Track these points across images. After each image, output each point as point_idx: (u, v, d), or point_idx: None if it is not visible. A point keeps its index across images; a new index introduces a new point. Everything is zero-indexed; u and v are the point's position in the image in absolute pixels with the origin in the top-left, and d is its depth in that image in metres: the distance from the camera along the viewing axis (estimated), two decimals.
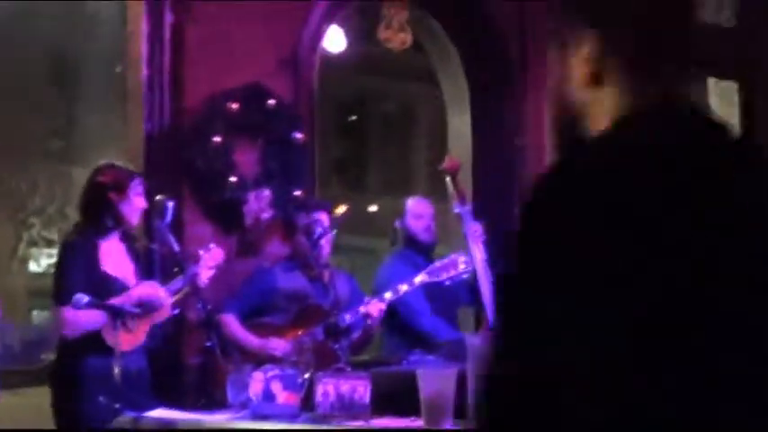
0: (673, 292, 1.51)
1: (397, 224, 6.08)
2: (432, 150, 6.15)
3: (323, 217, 5.58)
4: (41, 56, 13.38)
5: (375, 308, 5.36)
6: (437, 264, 5.54)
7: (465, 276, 5.62)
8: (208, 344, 4.61)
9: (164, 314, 5.02)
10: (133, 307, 4.72)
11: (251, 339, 5.39)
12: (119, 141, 8.21)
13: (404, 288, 5.43)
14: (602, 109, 1.64)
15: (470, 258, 5.48)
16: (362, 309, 5.36)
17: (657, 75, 1.64)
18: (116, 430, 3.84)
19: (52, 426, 5.03)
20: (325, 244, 5.55)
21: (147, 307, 4.89)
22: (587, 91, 1.65)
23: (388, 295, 5.39)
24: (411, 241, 6.01)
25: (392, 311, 5.56)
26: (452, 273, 5.50)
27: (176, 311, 5.21)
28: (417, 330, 5.72)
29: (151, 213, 5.00)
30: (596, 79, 1.64)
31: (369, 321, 5.38)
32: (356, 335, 5.54)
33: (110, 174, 5.04)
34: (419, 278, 5.47)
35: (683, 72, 1.67)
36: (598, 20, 1.64)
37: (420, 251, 5.99)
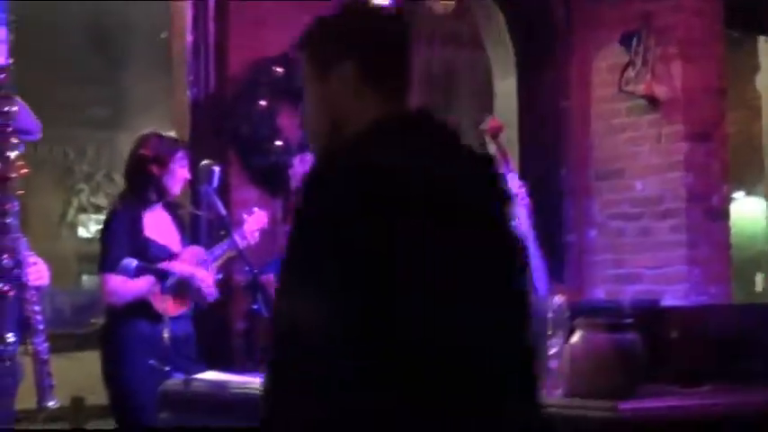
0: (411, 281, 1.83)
1: None
2: (476, 115, 6.09)
3: None
4: (86, 24, 13.43)
5: None
6: None
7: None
8: (254, 306, 4.62)
9: (207, 295, 5.03)
10: (179, 276, 4.75)
11: None
12: (164, 108, 8.23)
13: None
14: (361, 118, 2.07)
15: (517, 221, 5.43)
16: None
17: (396, 91, 2.13)
18: (166, 392, 3.87)
19: (102, 388, 5.08)
20: None
21: (191, 287, 4.91)
22: (350, 104, 2.11)
23: None
24: None
25: None
26: None
27: (220, 276, 5.23)
28: None
29: (197, 179, 5.01)
30: (355, 95, 2.11)
31: None
32: None
33: (152, 146, 5.04)
34: None
35: (409, 87, 2.16)
36: (352, 50, 2.14)
37: None
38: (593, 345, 2.66)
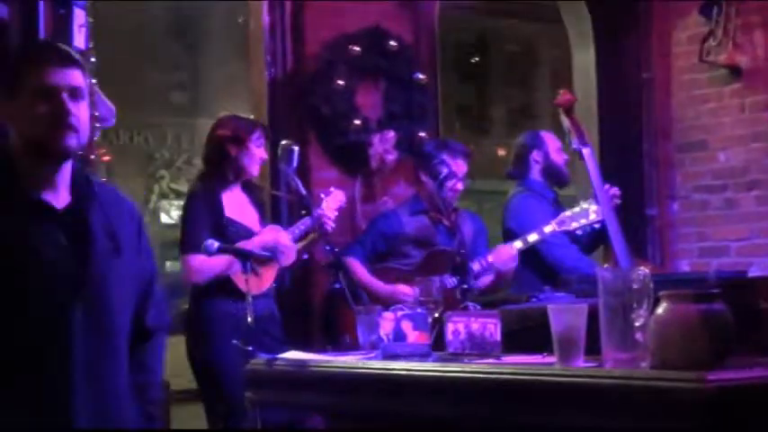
0: None
1: (536, 156, 5.91)
2: (556, 90, 6.06)
3: (454, 163, 5.52)
4: (163, 10, 13.53)
5: (506, 254, 5.28)
6: (567, 213, 5.42)
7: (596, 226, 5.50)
8: (336, 285, 4.63)
9: (290, 258, 5.05)
10: (262, 255, 4.76)
11: (379, 285, 5.40)
12: (242, 92, 8.27)
13: (533, 237, 5.34)
14: None
15: (596, 199, 5.39)
16: (491, 257, 5.31)
17: None
18: (251, 372, 3.89)
19: (189, 373, 5.13)
20: (454, 186, 5.49)
21: (273, 251, 4.93)
22: None
23: (518, 244, 5.31)
24: (553, 175, 5.89)
25: (533, 249, 5.48)
26: (583, 222, 5.38)
27: (305, 256, 5.25)
28: (566, 270, 5.58)
29: (277, 159, 5.02)
30: None
31: (501, 267, 5.31)
32: (487, 279, 5.49)
33: (229, 126, 5.07)
34: (549, 228, 5.36)
35: None
36: None
37: (560, 184, 5.89)
38: (679, 316, 2.61)
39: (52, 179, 2.79)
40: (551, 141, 5.96)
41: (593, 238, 5.81)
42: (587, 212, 5.38)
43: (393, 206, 5.95)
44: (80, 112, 2.76)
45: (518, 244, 5.31)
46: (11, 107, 2.77)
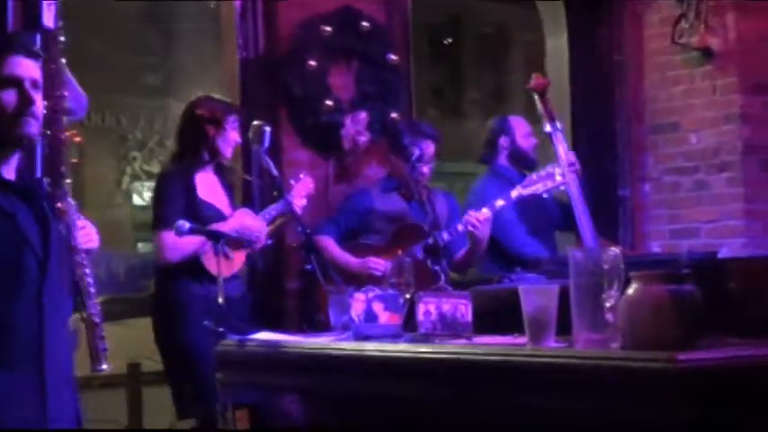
0: None
1: (503, 142, 5.96)
2: (528, 72, 6.08)
3: (424, 142, 5.52)
4: None
5: (480, 217, 5.27)
6: (533, 176, 5.43)
7: (560, 192, 5.52)
8: (308, 267, 4.62)
9: (261, 242, 5.05)
10: (232, 236, 4.75)
11: (350, 259, 5.40)
12: (215, 73, 8.23)
13: (500, 203, 5.33)
14: None
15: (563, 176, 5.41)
16: (465, 221, 5.29)
17: None
18: (222, 353, 3.88)
19: (157, 354, 5.11)
20: (425, 165, 5.50)
21: (244, 235, 4.92)
22: None
23: (485, 210, 5.31)
24: (519, 160, 5.92)
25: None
26: (549, 185, 5.38)
27: (270, 241, 5.24)
28: (511, 251, 5.64)
29: (249, 141, 5.01)
30: None
31: (476, 232, 5.29)
32: (462, 251, 5.50)
33: (207, 107, 5.07)
34: (515, 192, 5.37)
35: None
36: None
37: (527, 168, 5.91)
38: (650, 296, 2.62)
39: (5, 166, 2.87)
40: (519, 126, 6.00)
41: (564, 215, 5.84)
42: (552, 175, 5.40)
43: (366, 186, 5.95)
44: (39, 102, 2.90)
45: (485, 210, 5.31)
46: None
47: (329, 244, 5.46)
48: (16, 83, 2.83)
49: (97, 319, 3.53)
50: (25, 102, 2.82)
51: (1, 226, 2.76)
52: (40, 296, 2.80)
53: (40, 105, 2.88)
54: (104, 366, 3.48)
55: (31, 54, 2.91)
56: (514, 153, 5.95)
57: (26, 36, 3.29)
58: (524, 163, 5.93)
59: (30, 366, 2.76)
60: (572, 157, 5.66)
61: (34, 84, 2.87)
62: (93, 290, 3.52)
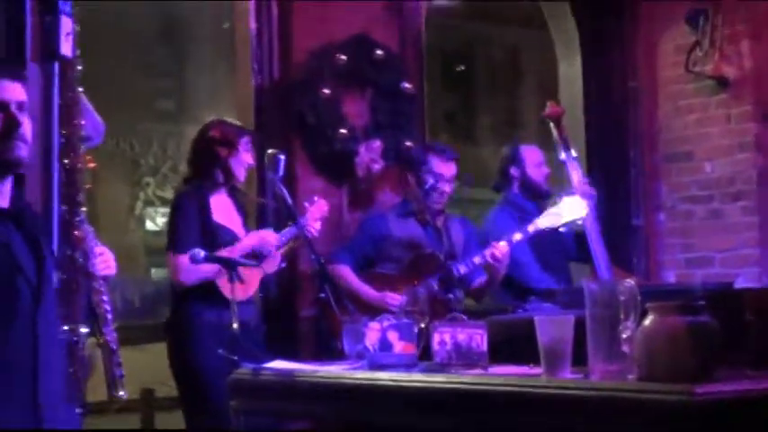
0: None
1: (513, 172, 5.94)
2: (540, 98, 6.08)
3: (443, 165, 5.51)
4: (150, 16, 13.49)
5: (498, 251, 5.22)
6: (551, 209, 5.38)
7: (576, 226, 5.48)
8: (321, 295, 4.62)
9: (274, 264, 5.04)
10: (246, 257, 4.75)
11: (369, 292, 5.37)
12: (228, 98, 8.25)
13: (518, 237, 5.28)
14: None
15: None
16: (484, 255, 5.25)
17: None
18: (236, 381, 3.87)
19: (170, 380, 5.10)
20: (442, 188, 5.48)
21: (258, 255, 4.92)
22: None
23: (503, 244, 5.26)
24: (530, 190, 5.88)
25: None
26: (567, 219, 5.32)
27: (284, 265, 5.23)
28: (523, 283, 5.60)
29: (263, 167, 5.01)
30: None
31: (495, 264, 5.25)
32: (479, 280, 5.47)
33: (220, 129, 5.08)
34: (533, 226, 5.31)
35: None
36: None
37: (539, 198, 5.87)
38: (666, 328, 2.61)
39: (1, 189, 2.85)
40: (530, 156, 5.95)
41: (580, 246, 5.81)
42: (570, 209, 5.34)
43: (381, 210, 5.95)
44: (27, 125, 2.86)
45: (503, 244, 5.26)
46: None
47: (346, 273, 5.44)
48: (3, 106, 2.80)
49: (114, 346, 3.53)
50: (12, 125, 2.79)
51: None
52: (35, 325, 2.77)
53: (28, 128, 2.84)
54: (121, 393, 3.48)
55: (16, 77, 2.89)
56: (525, 183, 5.91)
57: (8, 60, 3.28)
58: (535, 192, 5.89)
59: (23, 395, 2.74)
60: (587, 185, 5.65)
61: (20, 106, 2.84)
62: (110, 316, 3.52)
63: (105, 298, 3.54)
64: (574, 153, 5.73)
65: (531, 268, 5.65)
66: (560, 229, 5.39)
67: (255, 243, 4.94)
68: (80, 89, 3.65)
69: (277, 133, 5.94)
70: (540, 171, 5.91)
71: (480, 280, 5.46)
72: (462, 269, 5.30)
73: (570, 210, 5.32)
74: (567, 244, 5.85)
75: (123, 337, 3.66)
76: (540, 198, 5.86)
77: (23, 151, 2.83)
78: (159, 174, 17.20)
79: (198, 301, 4.83)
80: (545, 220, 5.30)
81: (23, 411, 2.73)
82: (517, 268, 5.55)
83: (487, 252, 5.23)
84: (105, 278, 3.61)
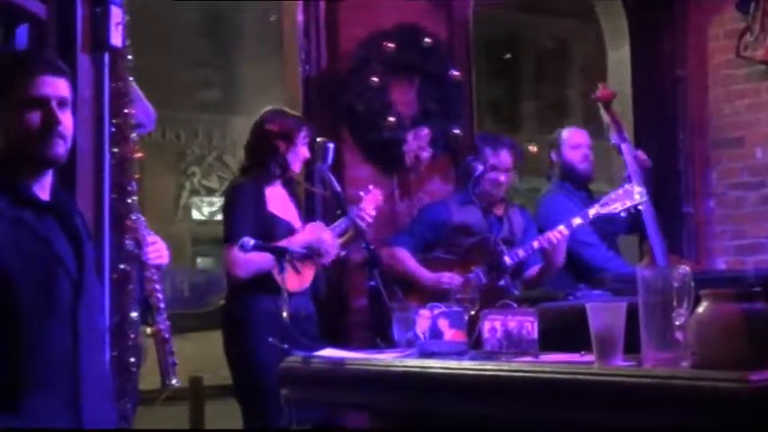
0: None
1: (553, 156, 5.94)
2: (588, 87, 6.07)
3: (495, 155, 5.50)
4: (196, 8, 13.56)
5: (557, 235, 5.21)
6: (611, 194, 5.33)
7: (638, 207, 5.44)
8: (371, 283, 4.61)
9: (332, 256, 5.04)
10: (300, 248, 4.75)
11: (424, 274, 5.38)
12: (274, 90, 8.27)
13: (577, 221, 5.26)
14: None
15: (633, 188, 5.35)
16: (542, 239, 5.24)
17: None
18: (286, 369, 3.88)
19: (220, 368, 5.12)
20: (496, 178, 5.47)
21: (314, 250, 4.92)
22: None
23: (562, 228, 5.24)
24: (568, 173, 5.85)
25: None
26: (628, 203, 5.30)
27: (343, 253, 5.24)
28: (591, 265, 5.56)
29: (312, 156, 5.01)
30: None
31: (553, 250, 5.24)
32: (535, 267, 5.46)
33: (279, 122, 5.05)
34: (593, 210, 5.27)
35: None
36: None
37: (577, 183, 5.84)
38: (720, 315, 2.59)
39: (38, 185, 2.84)
40: (570, 137, 5.92)
41: (630, 224, 5.79)
42: (630, 193, 5.31)
43: (430, 201, 5.96)
44: (67, 121, 2.84)
45: (562, 228, 5.24)
46: (0, 114, 2.83)
47: (404, 255, 5.46)
48: (42, 103, 2.79)
49: (167, 335, 3.56)
50: (51, 122, 2.78)
51: (35, 248, 2.74)
52: (75, 318, 2.77)
53: (68, 125, 2.83)
54: (174, 381, 3.51)
55: (58, 72, 2.86)
56: (563, 167, 5.89)
57: (51, 54, 3.26)
58: (572, 176, 5.86)
59: (65, 389, 2.74)
60: (642, 156, 5.62)
61: (62, 102, 2.83)
62: (162, 305, 3.54)
63: (158, 287, 3.56)
64: (626, 135, 5.70)
65: (600, 248, 5.63)
66: (621, 214, 5.37)
67: (312, 240, 4.94)
68: (130, 78, 3.68)
69: (325, 123, 5.94)
70: (577, 152, 5.87)
71: (536, 267, 5.45)
72: (521, 253, 5.28)
73: (630, 195, 5.29)
74: (617, 221, 5.83)
75: (172, 325, 3.69)
76: (577, 181, 5.83)
77: (61, 148, 2.82)
78: (205, 163, 17.29)
79: (254, 290, 4.84)
80: (606, 207, 5.28)
81: (64, 408, 2.74)
82: (585, 249, 5.54)
83: (547, 235, 5.21)
84: (158, 267, 3.63)
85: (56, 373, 2.73)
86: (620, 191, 5.33)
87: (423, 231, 5.57)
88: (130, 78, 3.68)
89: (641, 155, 5.68)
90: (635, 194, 5.30)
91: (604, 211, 5.27)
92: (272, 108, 5.18)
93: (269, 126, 5.03)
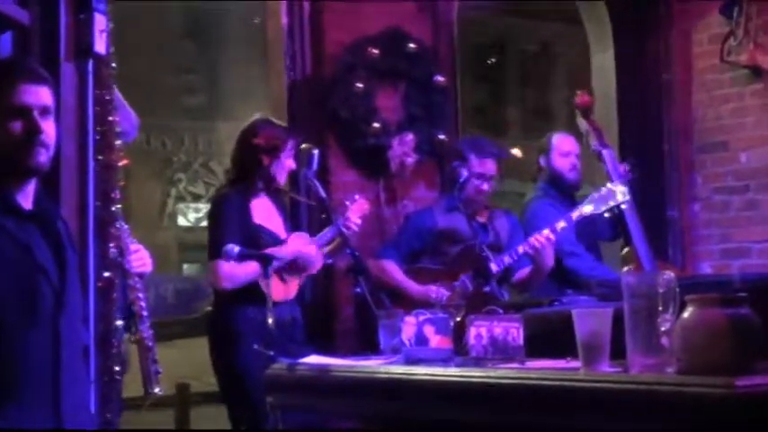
0: None
1: (542, 161, 5.93)
2: (573, 91, 6.07)
3: (480, 163, 5.48)
4: (180, 13, 13.53)
5: (542, 239, 5.20)
6: (594, 194, 5.34)
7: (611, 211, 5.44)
8: (357, 290, 4.61)
9: (318, 266, 5.03)
10: (285, 259, 4.75)
11: (412, 287, 5.37)
12: (260, 94, 8.27)
13: (562, 225, 5.25)
14: None
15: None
16: (528, 243, 5.23)
17: None
18: (272, 376, 3.88)
19: (206, 374, 5.11)
20: (479, 186, 5.45)
21: (301, 263, 4.92)
22: None
23: (546, 232, 5.23)
24: (555, 180, 5.84)
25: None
26: (611, 204, 5.31)
27: (330, 261, 5.23)
28: (576, 274, 5.56)
29: (297, 163, 5.00)
30: None
31: (540, 254, 5.23)
32: (524, 271, 5.45)
33: (264, 135, 5.01)
34: (576, 213, 5.28)
35: None
36: None
37: (564, 190, 5.84)
38: (706, 320, 2.59)
39: (21, 194, 2.81)
40: (559, 144, 5.90)
41: (614, 229, 5.80)
42: (614, 193, 5.31)
43: (414, 207, 5.95)
44: (50, 129, 2.81)
45: (546, 232, 5.23)
46: None
47: (391, 268, 5.44)
48: (24, 112, 2.76)
49: (150, 343, 3.54)
50: (33, 131, 2.76)
51: (16, 256, 2.71)
52: (57, 327, 2.74)
53: (51, 133, 2.81)
54: (157, 390, 3.49)
55: (39, 80, 2.84)
56: (551, 173, 5.89)
57: (33, 62, 3.24)
58: (560, 183, 5.85)
59: (44, 399, 2.71)
60: (624, 169, 5.63)
61: (44, 111, 2.80)
62: (146, 313, 3.53)
63: (141, 295, 3.55)
64: (607, 143, 5.71)
65: (584, 258, 5.63)
66: (604, 215, 5.37)
67: (296, 254, 4.93)
68: (115, 88, 3.67)
69: (310, 128, 5.94)
70: (566, 160, 5.86)
71: (525, 271, 5.45)
72: (507, 259, 5.27)
73: (612, 196, 5.30)
74: (600, 224, 5.83)
75: (157, 333, 3.68)
76: (564, 188, 5.83)
77: (44, 157, 2.79)
78: (191, 170, 17.26)
79: (240, 299, 4.84)
80: (588, 207, 5.27)
81: (45, 417, 2.72)
82: (569, 259, 5.54)
83: (531, 240, 5.21)
84: (141, 275, 3.62)
85: (37, 382, 2.71)
86: (603, 190, 5.33)
87: (409, 240, 5.55)
88: (113, 85, 3.66)
89: (623, 168, 5.67)
90: (618, 194, 5.30)
91: (587, 212, 5.27)
92: (259, 118, 5.14)
93: (255, 140, 5.00)
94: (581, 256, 5.63)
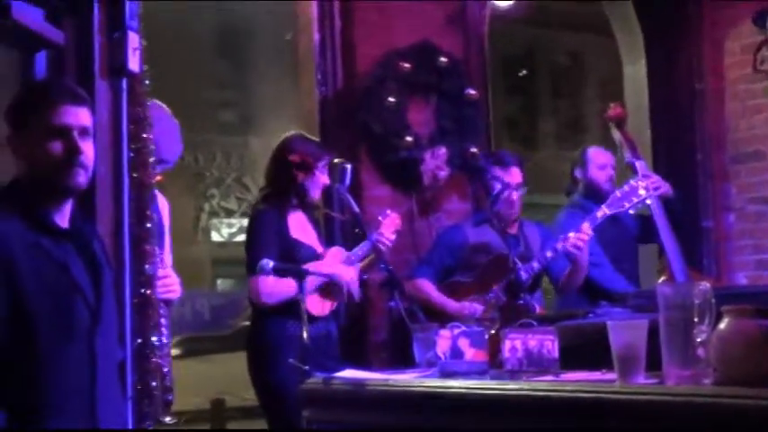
0: None
1: (578, 173, 5.92)
2: (604, 101, 6.06)
3: (505, 174, 5.46)
4: (211, 28, 13.59)
5: (579, 239, 5.18)
6: (617, 193, 5.30)
7: (641, 209, 5.41)
8: (391, 304, 4.61)
9: (354, 285, 5.02)
10: (321, 274, 4.76)
11: (448, 304, 5.35)
12: (291, 108, 8.29)
13: (587, 225, 5.23)
14: None
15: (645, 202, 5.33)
16: (565, 245, 5.20)
17: None
18: (307, 391, 3.89)
19: (242, 389, 5.11)
20: (509, 196, 5.43)
21: (337, 288, 4.92)
22: None
23: (585, 227, 5.20)
24: (593, 192, 5.83)
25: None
26: (634, 200, 5.28)
27: (365, 277, 5.23)
28: (598, 285, 5.55)
29: (330, 178, 5.01)
30: None
31: (576, 254, 5.21)
32: (564, 273, 5.42)
33: (299, 152, 5.01)
34: (601, 212, 5.26)
35: None
36: None
37: (601, 202, 5.82)
38: (742, 331, 2.59)
39: (58, 213, 2.84)
40: (595, 157, 5.89)
41: (642, 229, 5.79)
42: (636, 190, 5.29)
43: (449, 221, 5.94)
44: (89, 150, 2.85)
45: (586, 226, 5.21)
46: (22, 143, 2.84)
47: (426, 287, 5.43)
48: (64, 132, 2.80)
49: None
50: (73, 151, 2.79)
51: (53, 274, 2.74)
52: (92, 344, 2.78)
53: (89, 154, 2.84)
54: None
55: (79, 101, 2.87)
56: (588, 185, 5.88)
57: (72, 83, 3.27)
58: (597, 195, 5.82)
59: (82, 414, 2.74)
60: (657, 180, 5.61)
61: (83, 131, 2.83)
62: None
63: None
64: (640, 155, 5.69)
65: (605, 269, 5.62)
66: (630, 212, 5.35)
67: (331, 275, 4.93)
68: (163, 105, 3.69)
69: (342, 143, 5.95)
70: (603, 173, 5.86)
71: (563, 272, 5.42)
72: (536, 265, 5.25)
73: (635, 191, 5.28)
74: (632, 228, 5.80)
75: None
76: (599, 200, 5.81)
77: (83, 177, 2.83)
78: (224, 185, 17.31)
79: (278, 314, 4.84)
80: (613, 207, 5.26)
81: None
82: (592, 269, 5.52)
83: (572, 239, 5.18)
84: (167, 302, 3.63)
85: (73, 397, 2.73)
86: (626, 187, 5.30)
87: (442, 257, 5.54)
88: (174, 119, 3.69)
89: (655, 179, 5.64)
90: (640, 190, 5.28)
91: (612, 211, 5.25)
92: (293, 134, 5.14)
93: (290, 156, 5.00)
94: (603, 266, 5.62)
